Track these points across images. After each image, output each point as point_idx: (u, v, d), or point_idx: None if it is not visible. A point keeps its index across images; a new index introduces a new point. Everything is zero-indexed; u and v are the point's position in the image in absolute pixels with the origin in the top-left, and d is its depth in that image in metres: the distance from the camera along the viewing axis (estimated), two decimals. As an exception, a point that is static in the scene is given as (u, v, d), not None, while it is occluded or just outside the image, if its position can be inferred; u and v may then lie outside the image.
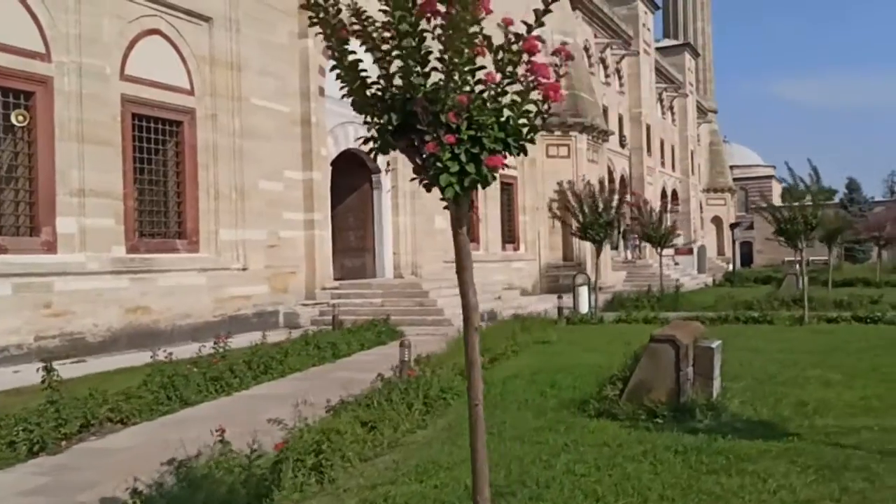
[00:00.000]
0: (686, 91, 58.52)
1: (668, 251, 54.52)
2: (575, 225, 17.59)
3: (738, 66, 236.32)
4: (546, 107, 3.36)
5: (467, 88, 3.27)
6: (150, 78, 15.64)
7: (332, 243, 23.91)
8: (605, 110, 42.96)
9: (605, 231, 17.02)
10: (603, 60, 43.27)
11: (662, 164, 54.77)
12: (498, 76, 3.29)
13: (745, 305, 18.90)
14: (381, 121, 3.42)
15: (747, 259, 74.87)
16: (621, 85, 46.24)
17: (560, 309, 17.60)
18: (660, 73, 52.97)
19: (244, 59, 17.64)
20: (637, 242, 42.67)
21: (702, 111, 67.48)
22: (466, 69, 3.23)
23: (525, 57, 3.26)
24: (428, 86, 3.27)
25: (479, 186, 3.36)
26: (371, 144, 3.55)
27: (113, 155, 14.71)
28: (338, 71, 3.49)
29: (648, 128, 48.29)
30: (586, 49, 40.72)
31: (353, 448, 6.09)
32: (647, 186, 47.36)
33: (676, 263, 50.22)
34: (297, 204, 19.23)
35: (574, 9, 38.61)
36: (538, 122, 3.41)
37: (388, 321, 15.62)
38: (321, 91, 19.99)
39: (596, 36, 41.78)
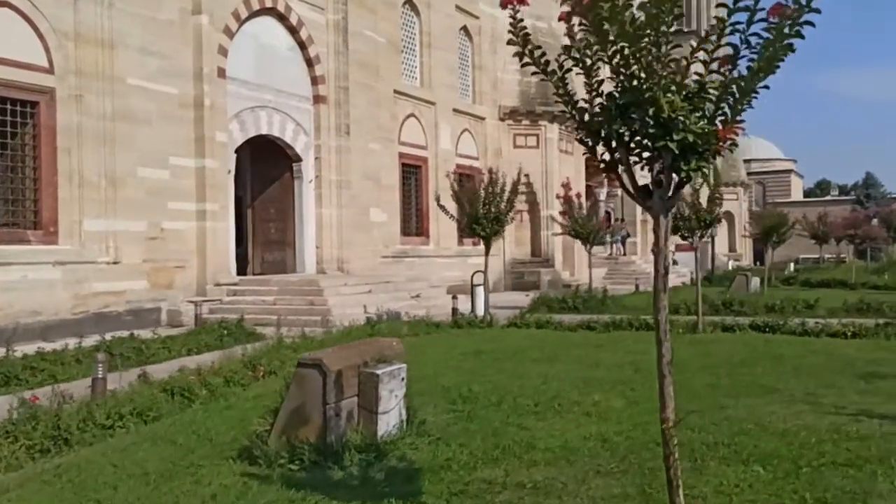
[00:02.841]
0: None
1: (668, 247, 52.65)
2: (464, 220, 16.05)
3: (803, 60, 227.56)
4: None
5: None
6: (-6, 54, 14.41)
7: (252, 236, 22.71)
8: (591, 99, 41.10)
9: (492, 226, 15.44)
10: (590, 47, 41.33)
11: (662, 156, 52.62)
12: None
13: (672, 309, 17.18)
14: None
15: (760, 255, 72.02)
16: (613, 73, 44.26)
17: (454, 310, 16.09)
18: (659, 61, 50.83)
19: (119, 36, 16.34)
20: (622, 236, 40.84)
21: (713, 102, 65.03)
22: None
23: None
24: None
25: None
26: None
27: (-61, 137, 13.52)
28: None
29: (642, 118, 46.23)
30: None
31: None
32: (640, 179, 45.28)
33: (675, 262, 48.13)
34: (188, 193, 17.89)
35: (553, -8, 36.81)
36: None
37: (241, 321, 14.23)
38: (220, 72, 18.64)
39: (581, 21, 39.86)
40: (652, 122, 3.26)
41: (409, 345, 12.13)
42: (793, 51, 3.20)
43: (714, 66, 3.33)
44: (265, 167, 22.09)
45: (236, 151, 20.36)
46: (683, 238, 14.34)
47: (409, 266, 25.20)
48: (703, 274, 37.99)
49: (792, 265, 41.69)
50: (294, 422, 5.55)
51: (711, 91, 3.29)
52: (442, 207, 16.32)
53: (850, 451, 5.39)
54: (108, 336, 12.69)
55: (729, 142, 3.39)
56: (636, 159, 3.57)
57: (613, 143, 3.56)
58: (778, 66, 3.24)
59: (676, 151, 3.31)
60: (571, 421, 6.69)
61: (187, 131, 17.87)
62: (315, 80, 22.05)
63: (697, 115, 3.27)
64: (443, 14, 28.08)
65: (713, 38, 3.31)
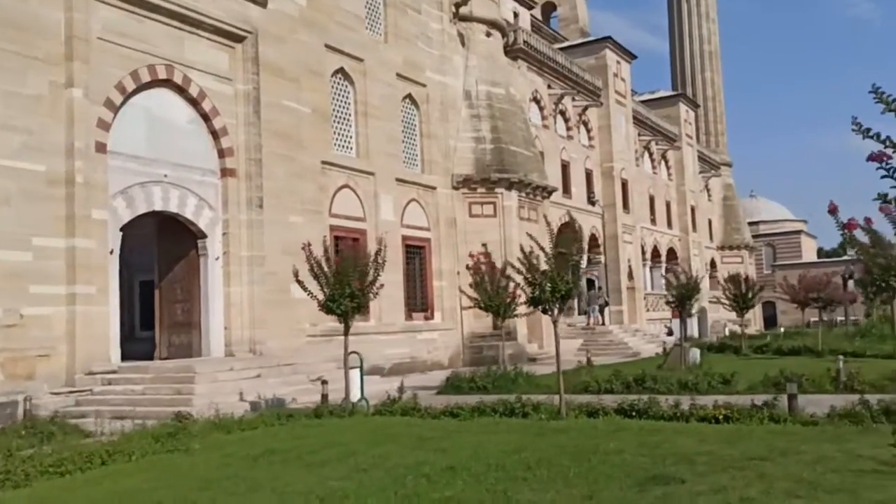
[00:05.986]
0: (681, 144, 54.96)
1: (663, 314, 50.46)
2: (321, 296, 14.54)
3: (812, 120, 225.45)
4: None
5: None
6: None
7: (160, 319, 21.36)
8: (565, 165, 39.92)
9: (348, 302, 13.95)
10: (563, 112, 40.34)
11: (653, 220, 51.08)
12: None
13: (582, 387, 15.56)
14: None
15: (772, 321, 69.36)
16: (590, 138, 43.13)
17: (324, 397, 14.51)
18: (644, 124, 49.70)
19: (-29, 113, 15.40)
20: (599, 304, 38.90)
21: (712, 164, 63.67)
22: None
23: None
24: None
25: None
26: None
27: None
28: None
29: (625, 183, 44.84)
30: (537, 101, 37.96)
31: None
32: (623, 245, 43.74)
33: (668, 332, 45.76)
34: (55, 276, 16.59)
35: (515, 58, 35.98)
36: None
37: (54, 418, 12.78)
38: (100, 147, 17.58)
39: (550, 87, 38.94)
40: None
41: (206, 444, 10.60)
42: None
43: None
44: (171, 245, 20.89)
45: (138, 230, 19.29)
46: (544, 312, 12.68)
47: (341, 345, 23.60)
48: (676, 341, 35.93)
49: (782, 330, 39.49)
50: None
51: None
52: (300, 283, 14.82)
53: None
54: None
55: None
56: None
57: None
58: None
59: None
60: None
61: (56, 210, 16.69)
62: (222, 153, 20.97)
63: None
64: (382, 83, 27.11)
65: None
